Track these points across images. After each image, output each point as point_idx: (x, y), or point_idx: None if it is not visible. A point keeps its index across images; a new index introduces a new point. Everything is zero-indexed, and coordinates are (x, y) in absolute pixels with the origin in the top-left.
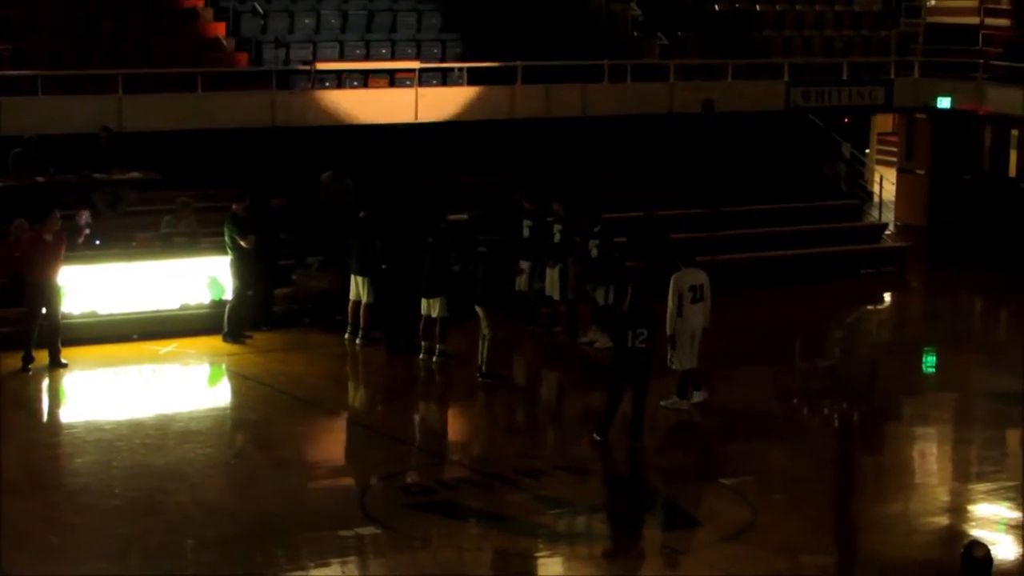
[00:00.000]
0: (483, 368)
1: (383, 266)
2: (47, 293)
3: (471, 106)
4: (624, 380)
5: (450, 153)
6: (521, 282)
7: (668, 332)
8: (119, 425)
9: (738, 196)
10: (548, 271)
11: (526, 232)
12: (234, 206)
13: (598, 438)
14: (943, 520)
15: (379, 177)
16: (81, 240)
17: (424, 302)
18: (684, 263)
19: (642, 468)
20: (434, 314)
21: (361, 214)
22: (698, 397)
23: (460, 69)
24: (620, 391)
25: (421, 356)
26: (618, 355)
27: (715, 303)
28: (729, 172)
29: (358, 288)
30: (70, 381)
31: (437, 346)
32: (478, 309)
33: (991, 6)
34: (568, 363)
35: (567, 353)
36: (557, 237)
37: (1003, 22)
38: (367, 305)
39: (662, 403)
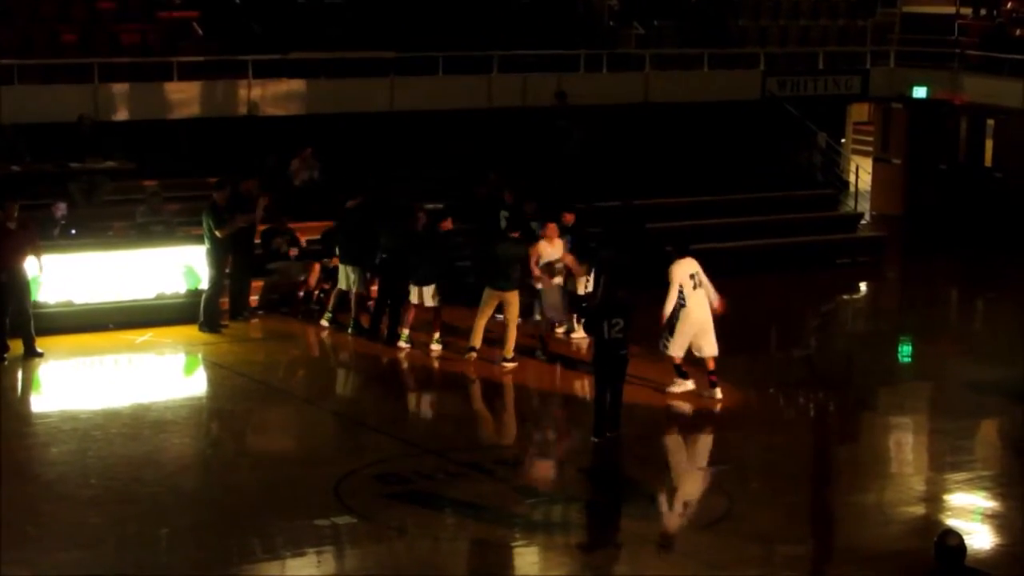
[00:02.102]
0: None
1: (383, 255)
2: (15, 283)
3: (447, 95)
4: (605, 372)
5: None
6: None
7: (666, 319)
8: (95, 414)
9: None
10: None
11: (503, 223)
12: (215, 195)
13: (595, 439)
14: (918, 510)
15: (355, 166)
16: (56, 232)
17: (414, 289)
18: (679, 253)
19: (619, 457)
20: (427, 303)
21: (350, 203)
22: (717, 394)
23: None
24: (605, 385)
25: (401, 343)
26: (596, 347)
27: None
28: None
29: (348, 277)
30: (45, 371)
31: (435, 335)
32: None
33: None
34: (544, 353)
35: (543, 342)
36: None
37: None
38: (357, 295)
39: (669, 390)
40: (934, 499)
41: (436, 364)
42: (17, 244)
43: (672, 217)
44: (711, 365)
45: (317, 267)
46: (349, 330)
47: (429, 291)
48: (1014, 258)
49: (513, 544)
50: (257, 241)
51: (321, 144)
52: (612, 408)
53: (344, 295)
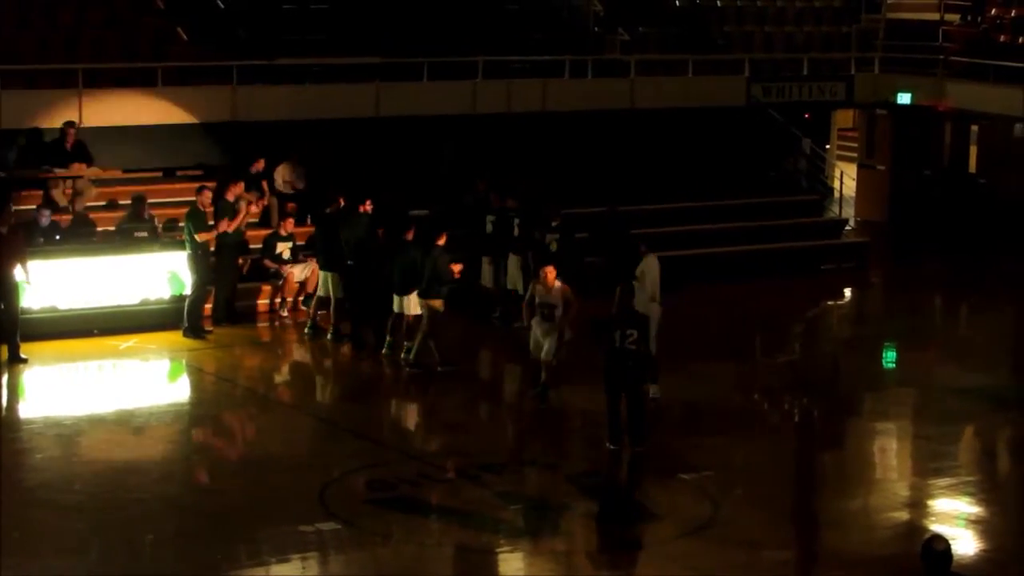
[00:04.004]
0: (411, 358)
1: (349, 262)
2: (5, 287)
3: (432, 101)
4: (615, 382)
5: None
6: (485, 277)
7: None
8: (79, 420)
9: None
10: (511, 266)
11: (489, 228)
12: (198, 199)
13: (612, 447)
14: (903, 515)
15: (342, 171)
16: (41, 238)
17: (396, 299)
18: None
19: (603, 464)
20: (407, 312)
21: (328, 209)
22: (653, 394)
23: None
24: (615, 394)
25: (385, 351)
26: (607, 357)
27: (678, 298)
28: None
29: (326, 284)
30: (30, 376)
31: (405, 343)
32: (420, 301)
33: (951, 2)
34: (529, 359)
35: (527, 348)
36: (516, 231)
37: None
38: (337, 301)
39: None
40: (918, 504)
41: (420, 371)
42: (8, 249)
43: (657, 223)
44: None
45: (292, 275)
46: (328, 336)
47: (409, 301)
48: (998, 264)
49: (498, 550)
50: (258, 246)
51: (307, 150)
52: (632, 422)
53: (323, 301)
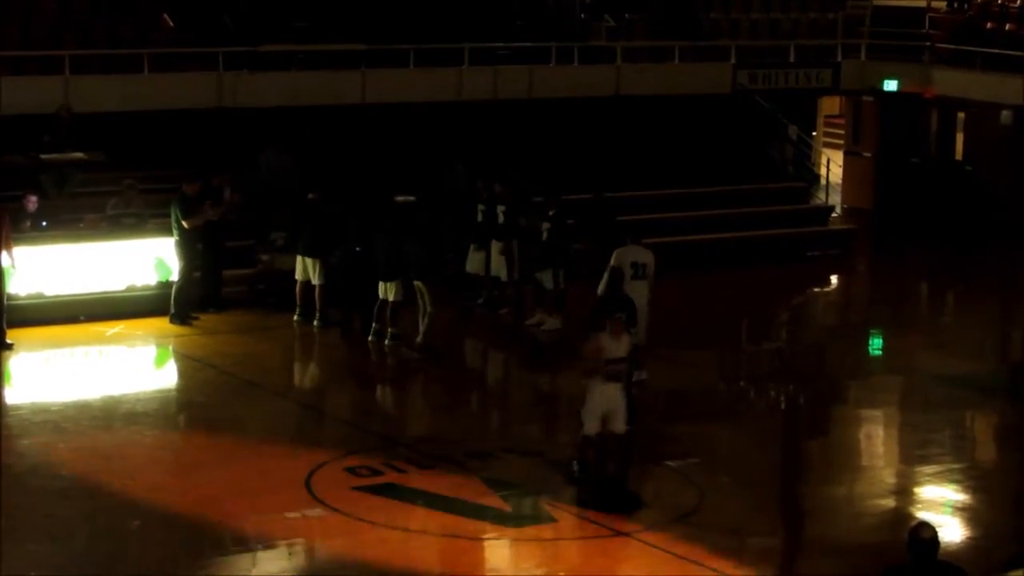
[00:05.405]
0: (420, 342)
1: (355, 248)
2: None
3: (418, 88)
4: None
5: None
6: (476, 263)
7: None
8: (66, 406)
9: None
10: (493, 252)
11: (480, 216)
12: (185, 186)
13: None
14: (889, 502)
15: (327, 158)
16: (28, 224)
17: (381, 285)
18: (632, 239)
19: (590, 451)
20: (390, 297)
21: (311, 195)
22: (638, 376)
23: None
24: None
25: (371, 338)
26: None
27: (661, 284)
28: None
29: (307, 269)
30: (16, 362)
31: (389, 329)
32: (418, 284)
33: None
34: (515, 345)
35: (513, 335)
36: (501, 218)
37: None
38: (320, 287)
39: None
40: (905, 492)
41: (406, 357)
42: None
43: (643, 210)
44: None
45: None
46: (315, 323)
47: (392, 286)
48: (984, 252)
49: (484, 537)
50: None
51: (293, 136)
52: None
53: (304, 287)
